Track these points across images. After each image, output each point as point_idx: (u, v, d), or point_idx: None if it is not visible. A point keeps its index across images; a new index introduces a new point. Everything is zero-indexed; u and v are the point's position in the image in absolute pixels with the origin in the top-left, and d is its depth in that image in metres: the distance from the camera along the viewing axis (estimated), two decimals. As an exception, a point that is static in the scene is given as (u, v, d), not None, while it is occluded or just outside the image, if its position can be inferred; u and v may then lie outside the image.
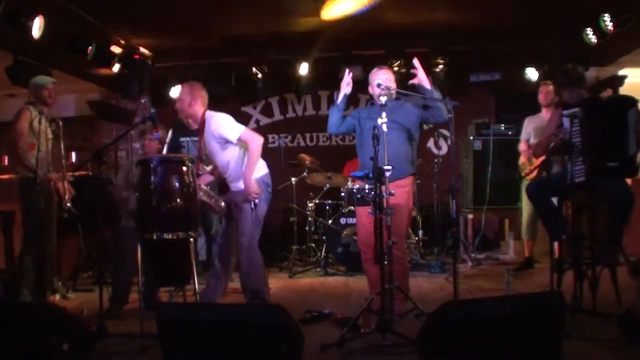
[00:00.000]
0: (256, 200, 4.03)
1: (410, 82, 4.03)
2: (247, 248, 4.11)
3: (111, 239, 4.83)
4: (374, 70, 4.10)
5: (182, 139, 5.55)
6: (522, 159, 5.72)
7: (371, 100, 4.21)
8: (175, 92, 6.83)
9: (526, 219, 5.69)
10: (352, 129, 4.14)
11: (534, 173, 5.42)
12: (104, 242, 4.46)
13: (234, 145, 4.11)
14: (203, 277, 4.34)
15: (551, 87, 5.50)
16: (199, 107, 4.14)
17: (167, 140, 4.62)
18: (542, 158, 5.22)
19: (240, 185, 4.14)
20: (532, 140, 5.55)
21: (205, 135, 4.16)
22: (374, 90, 4.02)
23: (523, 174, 5.64)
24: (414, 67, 3.96)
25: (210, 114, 4.15)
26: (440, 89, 4.01)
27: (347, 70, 4.10)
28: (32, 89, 4.64)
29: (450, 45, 6.67)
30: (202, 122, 4.14)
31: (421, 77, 3.94)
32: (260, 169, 4.20)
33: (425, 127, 4.25)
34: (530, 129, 5.63)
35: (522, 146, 5.71)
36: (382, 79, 3.96)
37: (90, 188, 5.23)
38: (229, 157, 4.17)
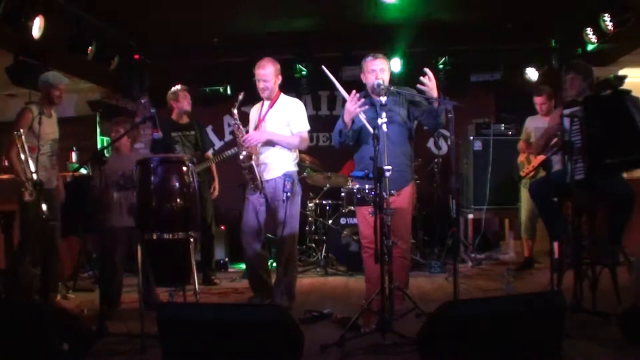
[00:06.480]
0: (288, 193, 4.12)
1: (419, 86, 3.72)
2: (288, 240, 4.22)
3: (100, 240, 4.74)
4: (369, 59, 3.91)
5: (173, 134, 5.39)
6: (520, 158, 5.74)
7: (365, 92, 3.96)
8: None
9: (525, 218, 5.69)
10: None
11: (532, 172, 5.43)
12: (101, 242, 4.43)
13: (289, 131, 4.31)
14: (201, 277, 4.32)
15: (544, 96, 5.50)
16: (277, 85, 4.41)
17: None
18: (541, 157, 5.24)
19: (276, 173, 4.27)
20: (533, 140, 5.55)
21: (273, 112, 4.35)
22: (367, 79, 3.91)
23: (522, 173, 5.65)
24: (423, 75, 3.68)
25: (286, 96, 4.44)
26: (440, 89, 3.89)
27: (353, 92, 3.72)
28: (44, 85, 4.50)
29: (450, 45, 6.67)
30: (274, 100, 4.36)
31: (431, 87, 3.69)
32: (294, 165, 4.39)
33: (425, 127, 4.13)
34: (531, 129, 5.63)
35: (521, 145, 5.73)
36: (378, 68, 3.85)
37: (89, 188, 5.23)
38: None
